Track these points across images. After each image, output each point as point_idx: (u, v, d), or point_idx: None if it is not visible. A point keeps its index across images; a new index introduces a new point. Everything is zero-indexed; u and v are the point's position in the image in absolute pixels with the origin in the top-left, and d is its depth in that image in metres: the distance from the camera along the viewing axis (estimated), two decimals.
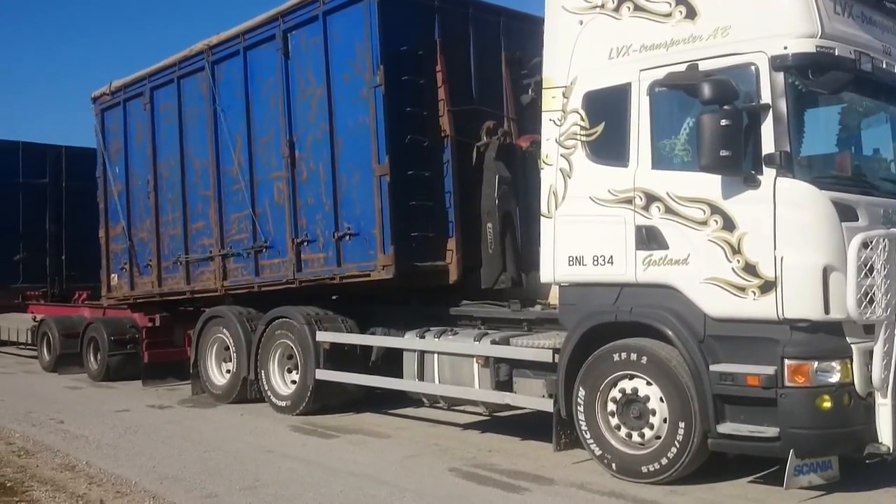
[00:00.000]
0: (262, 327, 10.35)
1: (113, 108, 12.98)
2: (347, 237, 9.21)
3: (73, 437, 9.00)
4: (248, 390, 10.60)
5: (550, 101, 7.30)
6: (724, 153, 5.88)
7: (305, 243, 9.75)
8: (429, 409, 9.38)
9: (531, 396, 7.63)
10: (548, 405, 7.33)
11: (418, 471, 7.22)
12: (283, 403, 10.09)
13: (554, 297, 8.00)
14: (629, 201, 6.67)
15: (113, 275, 13.28)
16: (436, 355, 8.43)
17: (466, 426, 9.07)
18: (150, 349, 12.71)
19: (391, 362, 9.36)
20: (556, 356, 7.20)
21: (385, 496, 6.45)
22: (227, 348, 11.04)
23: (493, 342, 7.89)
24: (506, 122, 9.31)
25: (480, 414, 9.03)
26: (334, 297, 11.31)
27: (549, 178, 7.23)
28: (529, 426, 8.39)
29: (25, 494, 6.70)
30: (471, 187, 8.94)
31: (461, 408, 9.01)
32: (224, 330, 11.00)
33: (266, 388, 10.32)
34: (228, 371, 11.10)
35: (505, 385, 7.87)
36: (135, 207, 12.66)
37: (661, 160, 6.59)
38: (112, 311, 14.05)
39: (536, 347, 7.47)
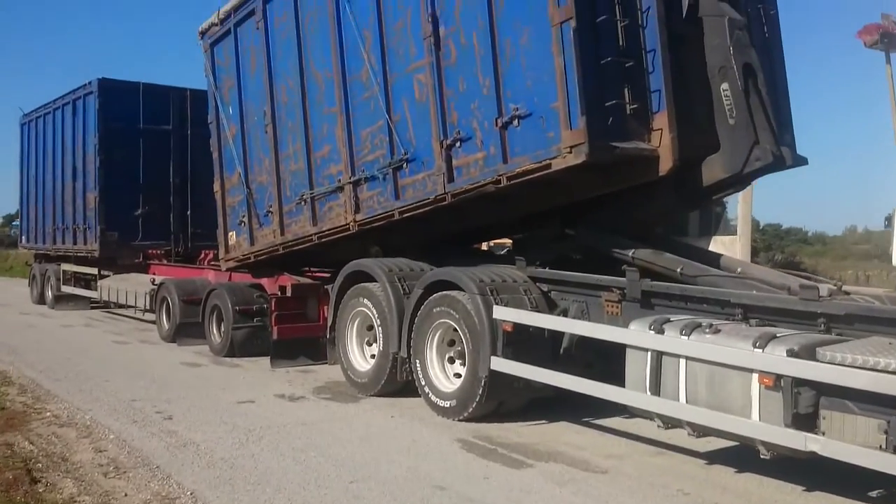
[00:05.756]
0: (420, 291, 8.07)
1: (223, 38, 11.50)
2: (515, 121, 7.20)
3: (180, 443, 6.89)
4: (398, 372, 8.35)
5: None
6: None
7: (458, 143, 7.83)
8: (646, 421, 6.69)
9: (856, 445, 4.84)
10: (893, 464, 4.54)
11: None
12: (445, 404, 7.70)
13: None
14: None
15: (231, 232, 11.56)
16: (683, 360, 5.74)
17: (710, 457, 6.40)
18: (280, 323, 10.60)
19: (588, 350, 7.04)
20: None
21: None
22: (372, 327, 8.80)
23: (792, 353, 5.12)
24: None
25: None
26: (502, 252, 9.26)
27: None
28: (804, 466, 5.65)
29: None
30: (683, 44, 7.04)
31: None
32: (366, 301, 8.76)
33: (422, 381, 7.96)
34: (373, 356, 8.87)
35: (806, 420, 5.10)
36: (251, 149, 11.11)
37: None
38: (239, 275, 12.07)
39: (880, 371, 4.66)
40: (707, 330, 5.63)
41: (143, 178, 16.38)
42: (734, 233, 18.82)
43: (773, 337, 5.29)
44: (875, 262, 47.10)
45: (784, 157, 7.10)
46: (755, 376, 5.25)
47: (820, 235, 64.07)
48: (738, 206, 19.17)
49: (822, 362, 5.00)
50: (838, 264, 42.32)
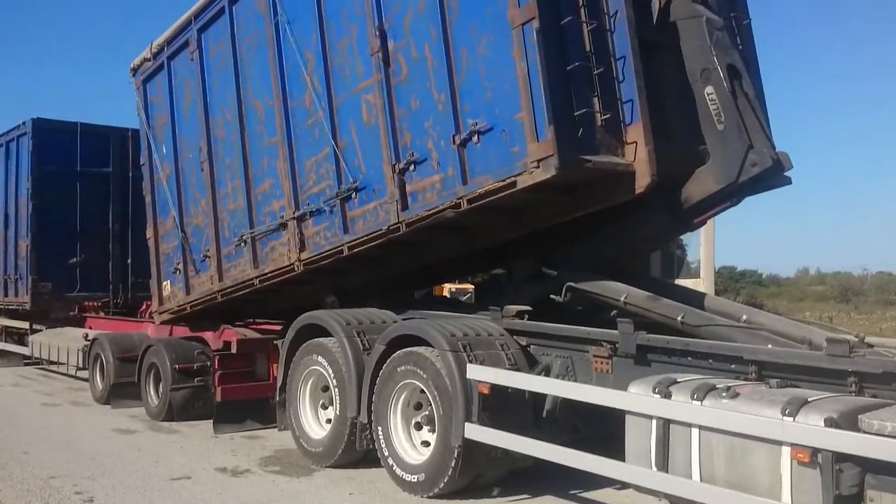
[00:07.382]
0: (381, 347, 7.09)
1: (156, 74, 10.75)
2: (475, 137, 6.51)
3: None
4: (357, 440, 7.30)
5: None
6: None
7: (412, 167, 7.12)
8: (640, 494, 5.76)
9: None
10: None
11: None
12: (412, 478, 6.69)
13: None
14: None
15: (165, 282, 10.58)
16: (696, 430, 4.86)
17: None
18: (225, 383, 9.49)
19: (573, 412, 6.22)
20: None
21: None
22: (327, 388, 7.79)
23: (831, 422, 4.27)
24: None
25: None
26: (465, 296, 8.65)
27: None
28: None
29: None
30: (657, 52, 6.58)
31: None
32: (321, 359, 7.76)
33: (385, 451, 6.96)
34: (328, 420, 7.84)
35: (849, 503, 4.26)
36: (187, 190, 10.25)
37: None
38: (181, 329, 10.99)
39: None
40: (724, 394, 4.74)
41: (81, 224, 15.03)
42: (696, 275, 18.27)
43: (805, 402, 4.42)
44: (832, 302, 47.32)
45: (782, 161, 6.35)
46: (786, 450, 4.35)
47: (774, 277, 64.36)
48: (700, 247, 18.64)
49: (868, 433, 4.16)
50: (796, 305, 42.35)
